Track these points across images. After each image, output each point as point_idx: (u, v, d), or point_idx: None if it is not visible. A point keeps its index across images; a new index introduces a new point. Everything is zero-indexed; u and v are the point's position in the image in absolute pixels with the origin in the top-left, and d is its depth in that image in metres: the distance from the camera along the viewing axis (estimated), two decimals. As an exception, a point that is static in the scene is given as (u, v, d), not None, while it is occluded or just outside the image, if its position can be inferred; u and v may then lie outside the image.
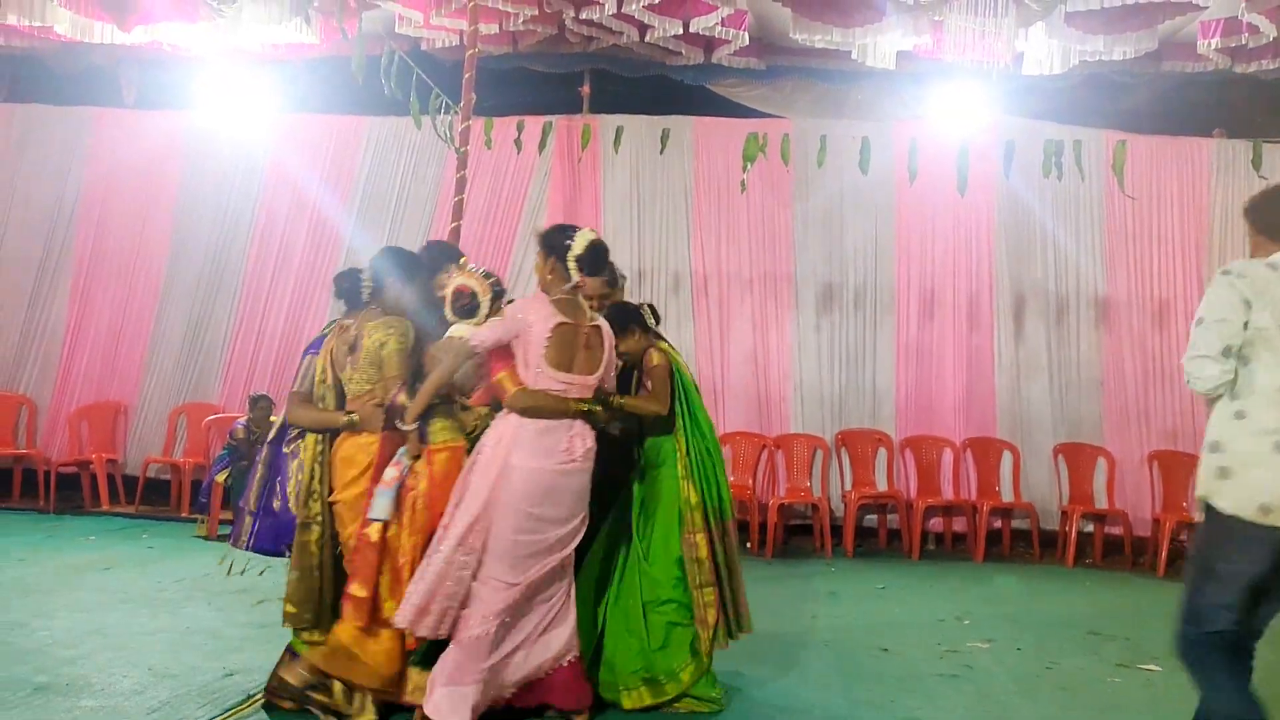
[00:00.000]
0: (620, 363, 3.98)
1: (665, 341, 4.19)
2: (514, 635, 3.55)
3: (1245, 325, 2.80)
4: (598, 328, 3.69)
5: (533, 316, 3.54)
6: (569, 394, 3.55)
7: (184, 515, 7.77)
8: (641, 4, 6.91)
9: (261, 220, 8.63)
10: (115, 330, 8.59)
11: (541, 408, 3.51)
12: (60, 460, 8.09)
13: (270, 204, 8.64)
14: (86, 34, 7.65)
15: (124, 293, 8.63)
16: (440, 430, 3.63)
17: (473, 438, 3.70)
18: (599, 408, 3.63)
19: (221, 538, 7.12)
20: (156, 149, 8.66)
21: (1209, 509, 2.86)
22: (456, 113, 6.07)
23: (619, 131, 7.32)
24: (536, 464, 3.47)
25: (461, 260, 3.94)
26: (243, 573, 4.05)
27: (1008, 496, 7.74)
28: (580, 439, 3.57)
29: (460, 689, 3.42)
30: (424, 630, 3.43)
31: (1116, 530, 7.60)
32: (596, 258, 3.64)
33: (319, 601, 3.58)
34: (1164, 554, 7.23)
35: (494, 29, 7.43)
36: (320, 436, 3.72)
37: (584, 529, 3.67)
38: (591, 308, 3.79)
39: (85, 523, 7.52)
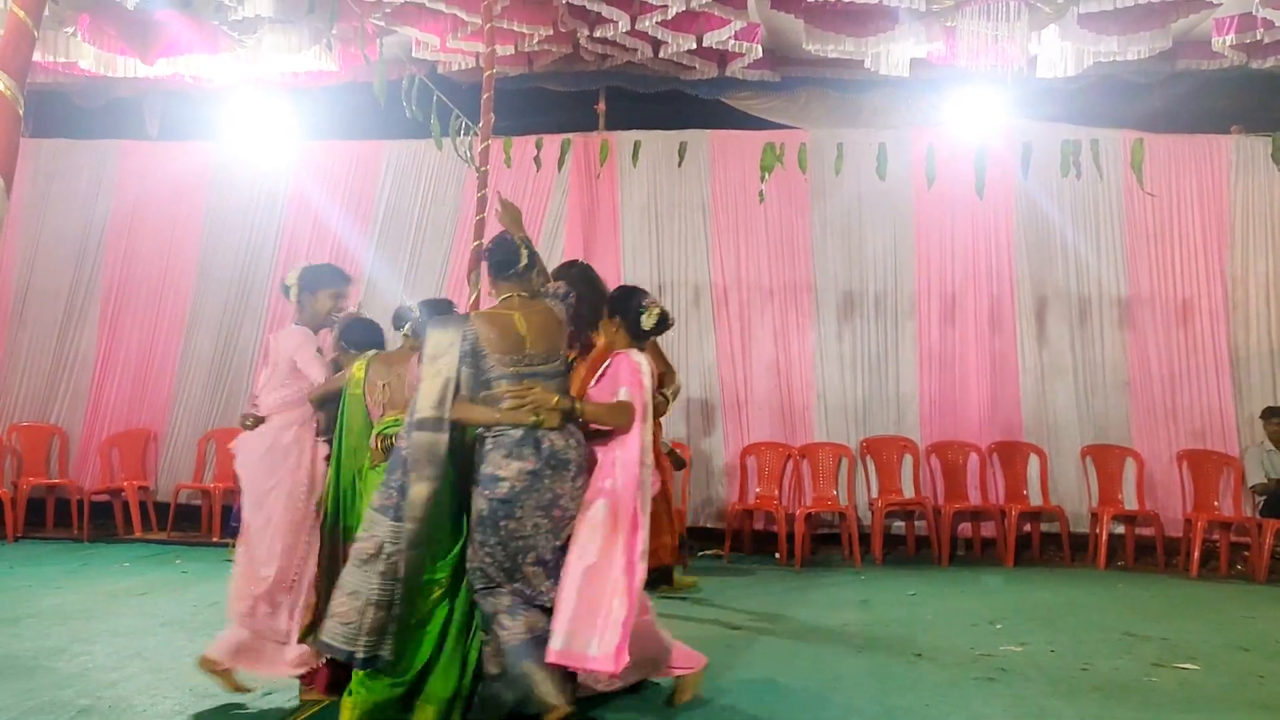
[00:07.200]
0: None
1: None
2: None
3: None
4: None
5: None
6: None
7: (215, 540, 7.82)
8: (655, 21, 6.98)
9: (285, 246, 8.72)
10: (143, 359, 8.70)
11: None
12: (92, 489, 8.18)
13: (293, 230, 8.75)
14: (110, 68, 7.78)
15: (151, 322, 8.74)
16: None
17: None
18: None
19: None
20: (181, 179, 8.80)
21: None
22: (476, 133, 6.14)
23: (636, 147, 7.39)
24: None
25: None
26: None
27: (1036, 500, 7.69)
28: None
29: None
30: None
31: (1148, 531, 7.52)
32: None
33: None
34: (1197, 554, 7.16)
35: (510, 50, 7.52)
36: None
37: None
38: None
39: (119, 550, 7.60)
